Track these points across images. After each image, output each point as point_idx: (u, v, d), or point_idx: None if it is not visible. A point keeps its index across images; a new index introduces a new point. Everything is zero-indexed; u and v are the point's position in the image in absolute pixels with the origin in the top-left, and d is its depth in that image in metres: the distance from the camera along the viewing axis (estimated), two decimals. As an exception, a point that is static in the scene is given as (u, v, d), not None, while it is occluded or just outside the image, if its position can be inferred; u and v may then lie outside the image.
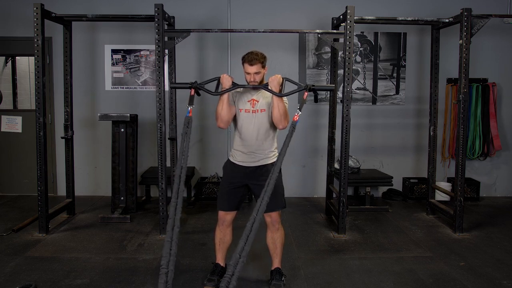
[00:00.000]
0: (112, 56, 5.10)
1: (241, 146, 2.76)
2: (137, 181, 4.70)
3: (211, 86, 2.79)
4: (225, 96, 2.68)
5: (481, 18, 3.86)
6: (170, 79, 4.60)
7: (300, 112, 2.57)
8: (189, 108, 2.62)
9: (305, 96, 2.62)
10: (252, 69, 2.66)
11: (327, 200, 4.59)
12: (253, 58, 2.65)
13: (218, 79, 2.75)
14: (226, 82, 2.69)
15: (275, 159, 2.78)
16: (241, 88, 2.81)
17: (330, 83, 4.61)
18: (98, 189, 5.23)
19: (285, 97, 2.70)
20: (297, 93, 2.86)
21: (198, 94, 2.76)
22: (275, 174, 2.37)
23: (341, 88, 4.30)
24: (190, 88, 2.72)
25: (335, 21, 4.28)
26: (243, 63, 2.70)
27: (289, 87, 2.66)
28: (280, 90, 2.63)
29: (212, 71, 5.13)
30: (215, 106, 2.75)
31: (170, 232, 2.09)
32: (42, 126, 3.74)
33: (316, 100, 2.94)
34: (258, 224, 2.12)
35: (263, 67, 2.70)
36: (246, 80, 2.73)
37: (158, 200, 3.83)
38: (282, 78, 2.64)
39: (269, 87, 2.63)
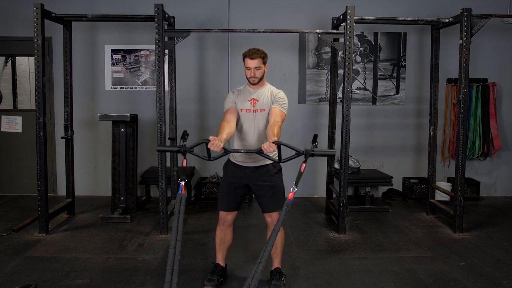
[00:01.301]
0: (112, 56, 5.10)
1: (241, 146, 2.76)
2: (137, 181, 4.70)
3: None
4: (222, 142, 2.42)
5: (481, 18, 3.87)
6: (170, 79, 4.60)
7: (296, 189, 2.22)
8: (182, 184, 2.20)
9: (302, 169, 2.24)
10: (253, 63, 2.66)
11: (327, 200, 4.59)
12: (254, 52, 2.66)
13: (206, 143, 2.37)
14: (215, 149, 2.36)
15: (275, 159, 2.78)
16: (241, 88, 2.82)
17: (330, 83, 4.60)
18: (98, 189, 5.23)
19: (284, 108, 2.68)
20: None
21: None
22: (281, 220, 2.18)
23: (341, 88, 4.29)
24: (178, 152, 2.33)
25: (335, 21, 4.28)
26: (243, 59, 2.70)
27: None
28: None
29: (212, 71, 5.14)
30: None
31: None
32: (42, 126, 3.74)
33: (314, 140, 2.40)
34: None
35: (264, 63, 2.70)
36: (246, 76, 2.73)
37: (158, 200, 3.83)
38: (277, 146, 2.34)
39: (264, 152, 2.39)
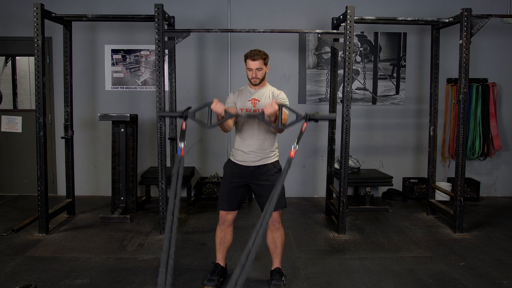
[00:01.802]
0: (112, 56, 5.10)
1: (241, 145, 2.76)
2: (137, 181, 4.70)
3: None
4: (220, 117, 2.51)
5: (481, 18, 3.86)
6: (170, 79, 4.60)
7: (297, 147, 2.27)
8: (181, 146, 2.28)
9: (303, 129, 2.33)
10: (254, 64, 2.67)
11: (327, 200, 4.59)
12: (256, 54, 2.67)
13: (209, 105, 2.47)
14: (218, 110, 2.45)
15: (275, 159, 2.79)
16: (242, 88, 2.83)
17: (330, 83, 4.60)
18: (98, 189, 5.23)
19: (286, 101, 2.69)
20: (293, 107, 2.61)
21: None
22: (274, 201, 2.13)
23: (341, 88, 4.29)
24: (180, 117, 2.44)
25: (335, 21, 4.28)
26: (245, 60, 2.71)
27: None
28: (277, 117, 2.47)
29: (212, 71, 5.14)
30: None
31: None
32: (42, 126, 3.74)
33: (316, 121, 2.49)
34: (254, 256, 1.95)
35: (265, 64, 2.71)
36: (248, 77, 2.74)
37: (158, 200, 3.83)
38: (279, 105, 2.41)
39: (265, 116, 2.44)
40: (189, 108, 2.44)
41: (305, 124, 2.33)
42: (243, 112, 2.70)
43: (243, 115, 2.59)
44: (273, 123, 2.50)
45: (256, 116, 2.47)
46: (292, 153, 2.24)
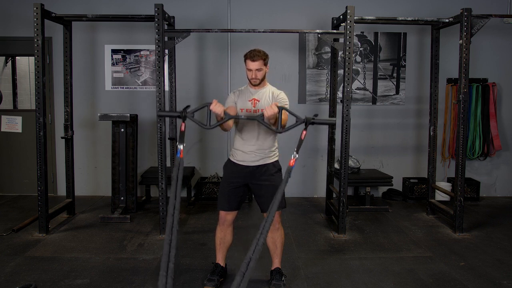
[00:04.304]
0: (112, 56, 5.10)
1: (241, 145, 2.76)
2: (137, 181, 4.70)
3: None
4: (219, 118, 2.45)
5: (481, 18, 3.86)
6: (170, 79, 4.60)
7: (297, 156, 2.16)
8: (180, 148, 2.15)
9: (303, 136, 2.21)
10: (254, 65, 2.66)
11: (327, 200, 4.59)
12: (255, 54, 2.65)
13: (207, 106, 2.40)
14: (217, 110, 2.40)
15: (275, 159, 2.79)
16: (242, 88, 2.83)
17: (330, 83, 4.60)
18: (98, 189, 5.23)
19: (286, 101, 2.68)
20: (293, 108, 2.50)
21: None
22: (274, 209, 2.02)
23: (341, 88, 4.30)
24: (179, 117, 2.34)
25: (335, 21, 4.28)
26: (245, 60, 2.70)
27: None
28: (277, 119, 2.42)
29: (212, 71, 5.14)
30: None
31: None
32: (42, 126, 3.74)
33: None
34: (254, 264, 1.87)
35: (265, 64, 2.70)
36: (248, 78, 2.73)
37: (158, 200, 3.83)
38: (279, 108, 2.36)
39: (264, 118, 2.39)
40: (187, 107, 2.37)
41: (304, 132, 2.23)
42: (242, 113, 2.69)
43: (243, 116, 2.55)
44: (273, 126, 2.47)
45: (255, 118, 2.42)
46: (292, 161, 2.15)
